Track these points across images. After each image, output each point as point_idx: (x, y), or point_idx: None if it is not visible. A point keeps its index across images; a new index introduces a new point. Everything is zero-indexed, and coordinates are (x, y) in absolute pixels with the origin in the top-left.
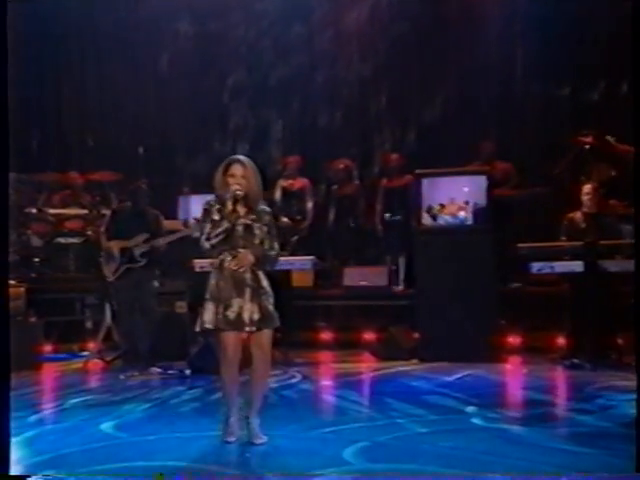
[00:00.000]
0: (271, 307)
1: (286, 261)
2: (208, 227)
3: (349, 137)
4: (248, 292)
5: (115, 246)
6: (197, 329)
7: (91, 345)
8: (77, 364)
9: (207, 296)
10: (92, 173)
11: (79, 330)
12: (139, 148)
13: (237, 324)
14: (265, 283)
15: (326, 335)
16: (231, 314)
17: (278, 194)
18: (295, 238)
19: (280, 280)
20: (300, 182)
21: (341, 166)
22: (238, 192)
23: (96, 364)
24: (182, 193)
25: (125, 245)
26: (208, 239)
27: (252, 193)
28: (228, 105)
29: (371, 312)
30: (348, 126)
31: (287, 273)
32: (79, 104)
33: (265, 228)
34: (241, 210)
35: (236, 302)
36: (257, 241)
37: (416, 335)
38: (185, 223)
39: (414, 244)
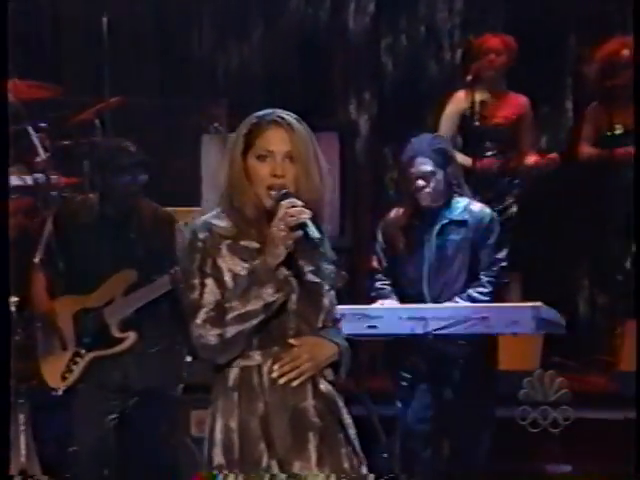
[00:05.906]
0: (365, 470)
1: (474, 313)
2: (212, 291)
3: None
4: (313, 441)
5: (65, 308)
6: None
7: None
8: None
9: (216, 451)
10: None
11: None
12: (102, 18)
13: None
14: (347, 416)
15: None
16: None
17: (453, 132)
18: (504, 253)
19: (467, 355)
20: (516, 103)
21: (626, 51)
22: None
23: None
24: (207, 130)
25: (88, 305)
26: (215, 322)
27: (310, 195)
28: None
29: None
30: None
31: (484, 342)
32: None
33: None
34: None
35: None
36: (321, 318)
37: None
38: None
39: None
